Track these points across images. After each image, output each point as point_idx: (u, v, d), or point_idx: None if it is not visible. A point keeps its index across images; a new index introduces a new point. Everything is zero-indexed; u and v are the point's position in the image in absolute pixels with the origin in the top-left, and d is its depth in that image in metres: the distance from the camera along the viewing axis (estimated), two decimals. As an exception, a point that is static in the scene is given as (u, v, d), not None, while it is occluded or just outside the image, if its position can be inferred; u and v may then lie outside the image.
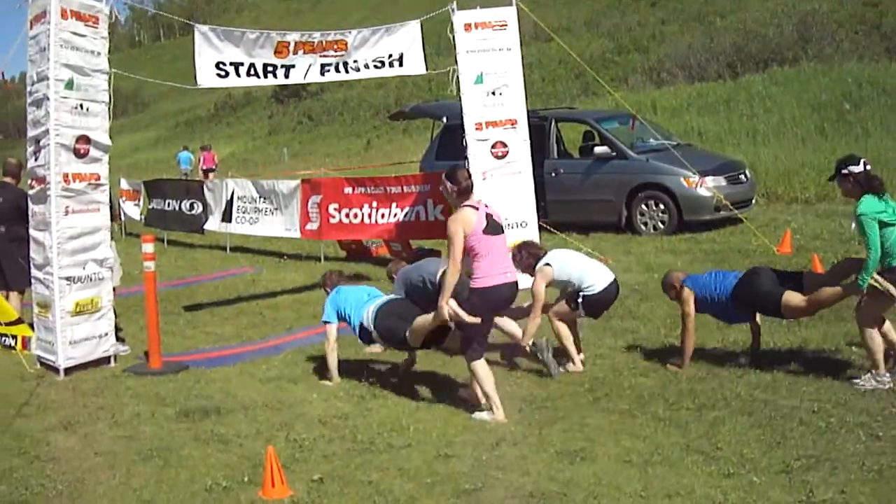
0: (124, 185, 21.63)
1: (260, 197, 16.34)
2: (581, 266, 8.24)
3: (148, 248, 8.87)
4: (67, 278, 8.60)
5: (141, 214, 20.21)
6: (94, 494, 5.57)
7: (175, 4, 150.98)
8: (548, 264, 8.22)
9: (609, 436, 6.24)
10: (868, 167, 7.07)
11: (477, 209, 6.67)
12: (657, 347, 8.58)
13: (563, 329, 8.14)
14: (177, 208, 18.56)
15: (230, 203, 17.19)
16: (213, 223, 17.62)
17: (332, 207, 14.47)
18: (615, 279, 8.28)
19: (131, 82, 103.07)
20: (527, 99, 12.01)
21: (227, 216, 17.23)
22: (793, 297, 7.48)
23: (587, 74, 34.01)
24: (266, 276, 14.66)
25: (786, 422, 6.30)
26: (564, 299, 8.25)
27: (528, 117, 12.67)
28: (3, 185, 10.35)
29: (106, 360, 9.00)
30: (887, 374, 7.01)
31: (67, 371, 8.58)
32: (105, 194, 8.96)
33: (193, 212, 18.08)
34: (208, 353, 9.54)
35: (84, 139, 8.66)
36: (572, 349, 8.15)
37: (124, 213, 21.17)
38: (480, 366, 6.78)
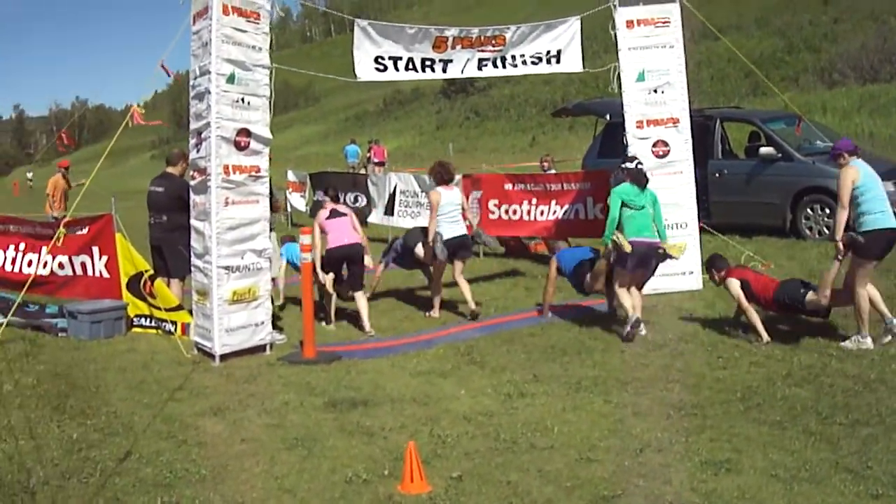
0: (291, 177, 22.24)
1: (422, 191, 16.48)
2: None
3: (305, 239, 9.03)
4: (226, 267, 8.83)
5: (306, 205, 20.69)
6: (237, 481, 5.65)
7: (346, 1, 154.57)
8: None
9: (757, 448, 5.92)
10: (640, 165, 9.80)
11: None
12: (815, 358, 8.13)
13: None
14: (342, 201, 18.91)
15: (393, 196, 17.42)
16: (377, 216, 17.91)
17: (491, 203, 14.45)
18: None
19: (303, 77, 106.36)
20: (694, 98, 11.67)
21: (389, 209, 17.49)
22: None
23: (756, 74, 33.01)
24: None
25: (945, 439, 5.85)
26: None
27: (693, 116, 12.28)
28: (166, 175, 10.75)
29: (262, 348, 9.21)
30: (869, 337, 8.34)
31: (223, 357, 8.82)
32: (265, 186, 9.15)
33: (357, 204, 18.43)
34: (362, 344, 9.63)
35: (244, 132, 8.87)
36: None
37: (291, 205, 21.81)
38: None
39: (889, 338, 8.47)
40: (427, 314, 11.08)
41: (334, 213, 10.44)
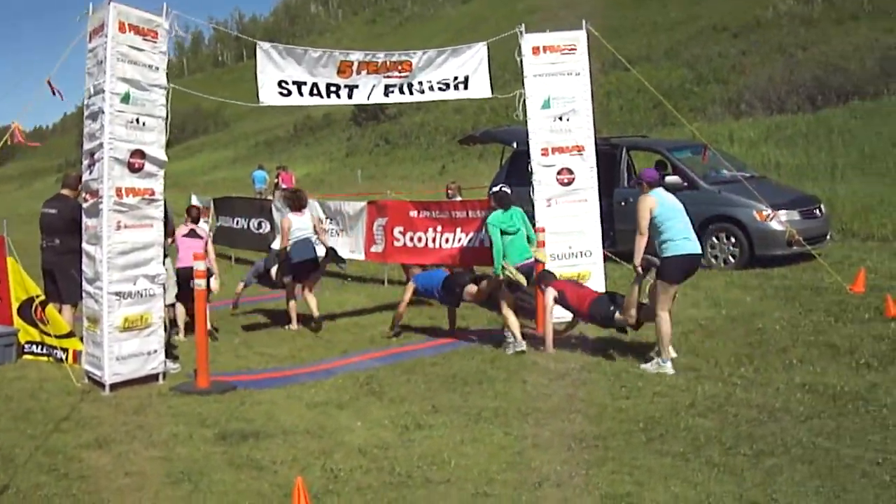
0: (195, 201, 21.74)
1: (327, 218, 16.23)
2: None
3: (199, 265, 8.75)
4: (117, 293, 8.52)
5: (210, 231, 20.22)
6: (117, 519, 5.39)
7: (259, 26, 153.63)
8: None
9: (659, 480, 5.85)
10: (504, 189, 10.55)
11: None
12: (719, 387, 8.10)
13: None
14: (245, 226, 18.59)
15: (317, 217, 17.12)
16: (279, 243, 17.56)
17: (396, 230, 14.25)
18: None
19: (213, 102, 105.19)
20: (603, 127, 11.75)
21: (294, 236, 17.17)
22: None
23: (664, 105, 33.68)
24: (327, 297, 14.47)
25: (848, 473, 5.85)
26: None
27: (599, 145, 12.30)
28: (59, 197, 10.38)
29: (154, 377, 8.89)
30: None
31: (113, 387, 8.49)
32: (159, 210, 8.86)
33: (261, 230, 18.07)
34: (259, 374, 9.38)
35: (139, 153, 8.59)
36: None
37: (194, 230, 21.30)
38: None
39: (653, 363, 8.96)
40: (286, 327, 11.97)
41: (191, 234, 11.42)
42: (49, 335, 9.78)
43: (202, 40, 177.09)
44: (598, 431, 6.95)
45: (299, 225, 12.00)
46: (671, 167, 15.52)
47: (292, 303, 12.06)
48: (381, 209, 14.70)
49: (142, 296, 8.73)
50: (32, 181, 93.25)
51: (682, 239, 8.98)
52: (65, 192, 10.34)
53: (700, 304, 11.83)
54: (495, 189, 10.66)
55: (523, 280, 9.98)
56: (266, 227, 18.02)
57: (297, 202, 12.24)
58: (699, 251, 9.22)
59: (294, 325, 11.98)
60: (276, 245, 12.86)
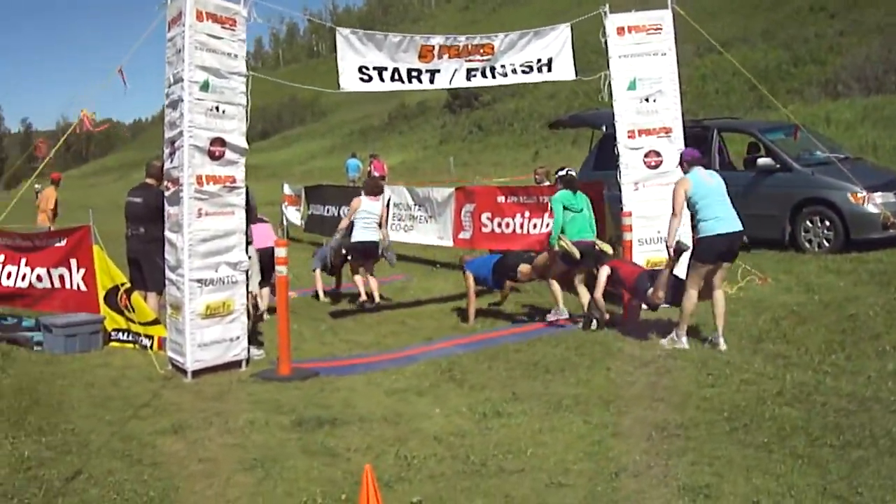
0: (287, 190, 21.98)
1: (415, 204, 16.17)
2: None
3: (281, 252, 8.74)
4: (198, 280, 8.57)
5: (301, 219, 20.39)
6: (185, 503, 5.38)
7: (353, 15, 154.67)
8: None
9: (740, 472, 5.60)
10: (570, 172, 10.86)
11: None
12: (808, 375, 7.77)
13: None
14: (335, 214, 18.66)
15: (386, 209, 17.12)
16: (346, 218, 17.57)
17: (484, 216, 14.09)
18: None
19: (309, 92, 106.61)
20: (700, 110, 11.44)
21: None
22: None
23: (761, 87, 32.71)
24: (416, 283, 14.48)
25: (937, 466, 5.50)
26: None
27: (690, 127, 11.98)
28: (144, 186, 10.51)
29: (237, 363, 8.93)
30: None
31: (195, 374, 8.55)
32: (241, 197, 8.88)
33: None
34: (342, 360, 9.36)
35: (219, 141, 8.61)
36: None
37: (287, 218, 21.52)
38: None
39: (709, 346, 9.01)
40: (359, 302, 11.98)
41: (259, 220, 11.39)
42: (134, 322, 9.93)
43: (297, 31, 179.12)
44: (681, 420, 6.72)
45: (368, 208, 12.20)
46: (764, 149, 15.02)
47: (357, 277, 12.10)
48: (468, 195, 14.56)
49: (224, 283, 8.77)
50: (131, 172, 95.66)
51: (713, 219, 9.03)
52: (149, 181, 10.47)
53: (792, 290, 11.44)
54: (562, 172, 10.86)
55: (577, 253, 10.15)
56: (357, 215, 18.07)
57: (373, 188, 12.70)
58: (736, 229, 9.16)
59: (364, 297, 11.92)
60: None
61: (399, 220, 16.67)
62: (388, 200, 16.93)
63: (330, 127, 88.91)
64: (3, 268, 10.85)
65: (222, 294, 8.76)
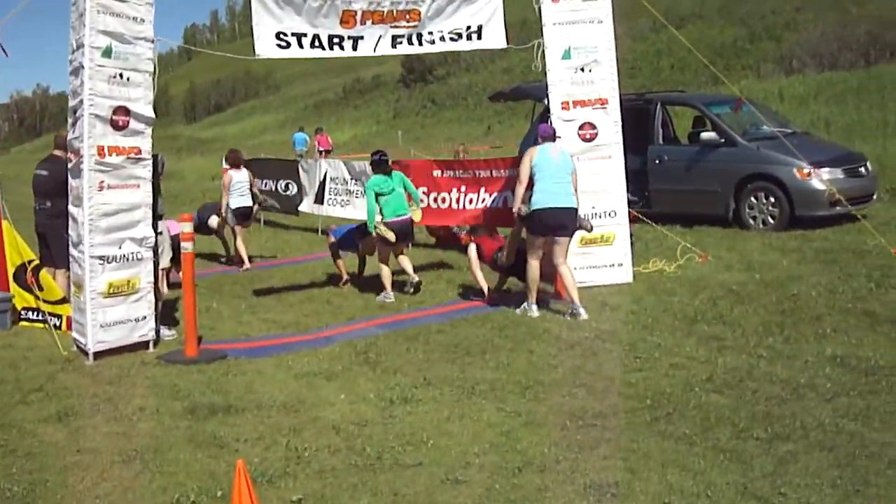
0: (225, 164, 21.38)
1: (352, 178, 15.70)
2: None
3: (186, 227, 8.28)
4: (100, 257, 8.09)
5: (241, 194, 19.84)
6: (50, 500, 4.95)
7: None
8: None
9: (655, 467, 5.23)
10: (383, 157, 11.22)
11: None
12: (742, 359, 7.44)
13: None
14: (273, 188, 18.17)
15: (323, 184, 16.66)
16: (307, 204, 17.14)
17: (420, 191, 13.73)
18: None
19: (263, 65, 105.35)
20: (655, 86, 11.08)
21: (319, 198, 16.71)
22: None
23: (717, 63, 32.56)
24: (348, 260, 14.01)
25: (872, 463, 5.16)
26: None
27: (633, 100, 11.61)
28: (51, 158, 9.99)
29: (145, 344, 8.49)
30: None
31: (98, 355, 8.10)
32: (147, 170, 8.39)
33: (289, 192, 17.64)
34: (255, 342, 8.95)
35: (123, 110, 8.12)
36: None
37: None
38: None
39: (569, 318, 9.25)
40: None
41: None
42: (44, 301, 9.44)
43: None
44: (600, 408, 6.37)
45: (238, 178, 14.48)
46: (710, 123, 14.71)
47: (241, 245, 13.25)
48: (403, 169, 14.09)
49: (128, 260, 8.30)
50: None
51: (543, 193, 9.35)
52: (56, 152, 9.92)
53: (733, 268, 11.15)
54: (374, 157, 11.33)
55: (391, 236, 10.74)
56: (293, 189, 17.59)
57: (234, 161, 14.87)
58: (564, 205, 9.38)
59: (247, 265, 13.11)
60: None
61: (336, 194, 16.20)
62: (325, 174, 16.52)
63: (284, 101, 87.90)
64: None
65: (127, 272, 8.30)
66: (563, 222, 9.40)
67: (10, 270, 9.80)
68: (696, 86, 34.10)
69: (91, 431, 6.12)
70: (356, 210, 14.83)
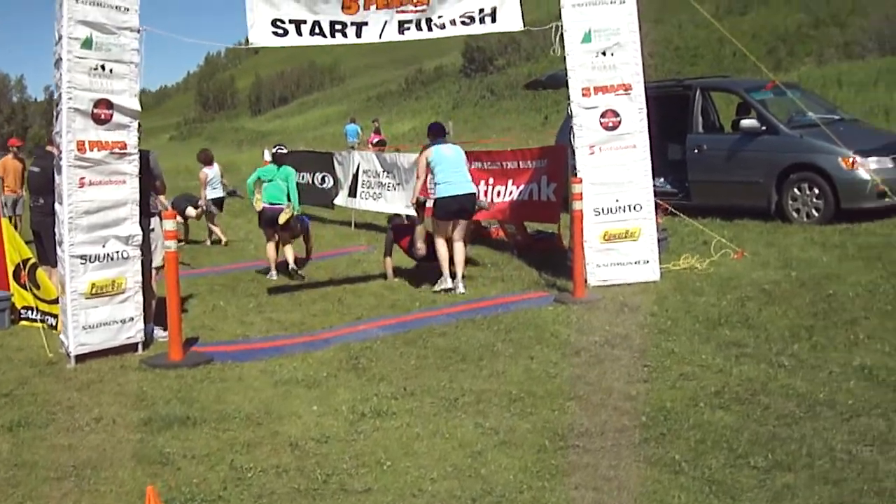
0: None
1: (384, 171, 15.35)
2: None
3: (169, 225, 7.91)
4: (81, 256, 7.78)
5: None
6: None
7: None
8: None
9: (627, 501, 4.70)
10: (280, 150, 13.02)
11: None
12: (760, 369, 6.80)
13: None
14: (310, 181, 17.88)
15: (356, 177, 16.30)
16: (342, 198, 16.79)
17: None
18: None
19: (328, 57, 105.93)
20: (716, 72, 10.40)
21: (353, 191, 16.36)
22: None
23: (780, 49, 31.58)
24: (375, 256, 13.63)
25: (881, 502, 4.53)
26: None
27: (672, 86, 10.98)
28: (45, 154, 9.74)
29: (134, 346, 8.15)
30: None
31: (81, 358, 7.80)
32: (133, 165, 8.05)
33: (325, 185, 17.33)
34: (250, 344, 8.61)
35: (105, 103, 7.79)
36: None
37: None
38: None
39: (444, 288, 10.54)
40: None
41: None
42: (41, 301, 9.21)
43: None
44: (588, 426, 5.82)
45: (211, 174, 16.53)
46: (753, 110, 13.91)
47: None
48: (433, 161, 13.72)
49: (113, 259, 7.98)
50: (149, 139, 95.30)
51: (444, 183, 10.51)
52: (50, 148, 9.67)
53: (769, 265, 10.46)
54: (274, 150, 13.20)
55: (259, 206, 12.41)
56: (329, 182, 17.24)
57: (205, 159, 16.86)
58: (462, 192, 10.53)
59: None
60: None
61: (368, 187, 15.84)
62: (358, 167, 16.15)
63: (347, 93, 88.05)
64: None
65: (111, 271, 7.97)
66: (465, 206, 10.59)
67: (10, 269, 9.58)
68: (755, 73, 33.13)
69: (38, 444, 5.77)
70: (388, 203, 14.47)
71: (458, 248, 10.66)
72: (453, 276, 10.60)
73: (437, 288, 10.56)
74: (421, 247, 11.33)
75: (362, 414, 6.19)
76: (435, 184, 10.63)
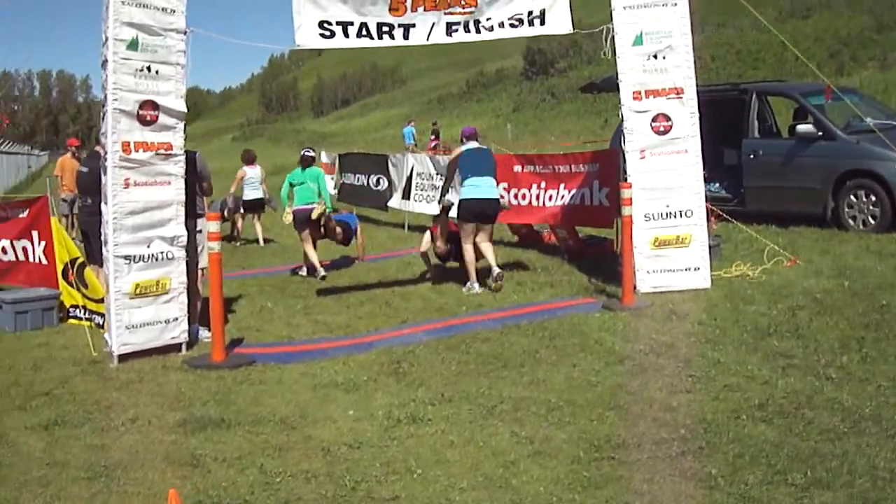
0: (324, 158, 21.25)
1: (437, 173, 15.38)
2: None
3: (212, 226, 7.93)
4: (125, 257, 7.83)
5: (335, 188, 19.61)
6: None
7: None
8: None
9: (661, 518, 4.55)
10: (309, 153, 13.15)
11: None
12: (807, 381, 6.58)
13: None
14: (365, 183, 17.97)
15: (409, 179, 16.32)
16: (396, 200, 16.83)
17: (501, 187, 13.20)
18: None
19: (390, 59, 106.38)
20: (779, 76, 10.19)
21: (406, 193, 16.39)
22: None
23: (842, 53, 30.97)
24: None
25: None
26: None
27: (727, 90, 10.77)
28: (93, 154, 9.88)
29: (178, 346, 8.19)
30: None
31: (124, 358, 7.85)
32: (179, 166, 8.10)
33: (379, 187, 17.39)
34: (293, 346, 8.63)
35: (150, 105, 7.85)
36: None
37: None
38: None
39: (493, 282, 10.61)
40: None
41: None
42: (90, 299, 9.32)
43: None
44: (625, 437, 5.68)
45: (250, 174, 16.68)
46: (810, 115, 13.61)
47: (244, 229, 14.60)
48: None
49: (157, 259, 8.03)
50: (212, 140, 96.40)
51: (469, 186, 10.71)
52: (98, 148, 9.76)
53: (822, 274, 10.19)
54: (304, 152, 13.21)
55: (289, 220, 12.59)
56: (383, 184, 17.27)
57: (248, 159, 16.90)
58: (487, 196, 10.74)
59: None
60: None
61: (422, 189, 15.88)
62: (412, 169, 16.17)
63: (409, 95, 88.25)
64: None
65: (156, 272, 8.03)
66: (487, 211, 10.78)
67: (60, 267, 9.73)
68: (817, 78, 32.56)
69: (72, 443, 5.81)
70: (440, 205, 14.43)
71: (486, 247, 10.85)
72: (485, 275, 10.79)
73: (466, 291, 10.67)
74: (441, 245, 11.54)
75: (398, 420, 6.12)
76: (461, 185, 10.88)
